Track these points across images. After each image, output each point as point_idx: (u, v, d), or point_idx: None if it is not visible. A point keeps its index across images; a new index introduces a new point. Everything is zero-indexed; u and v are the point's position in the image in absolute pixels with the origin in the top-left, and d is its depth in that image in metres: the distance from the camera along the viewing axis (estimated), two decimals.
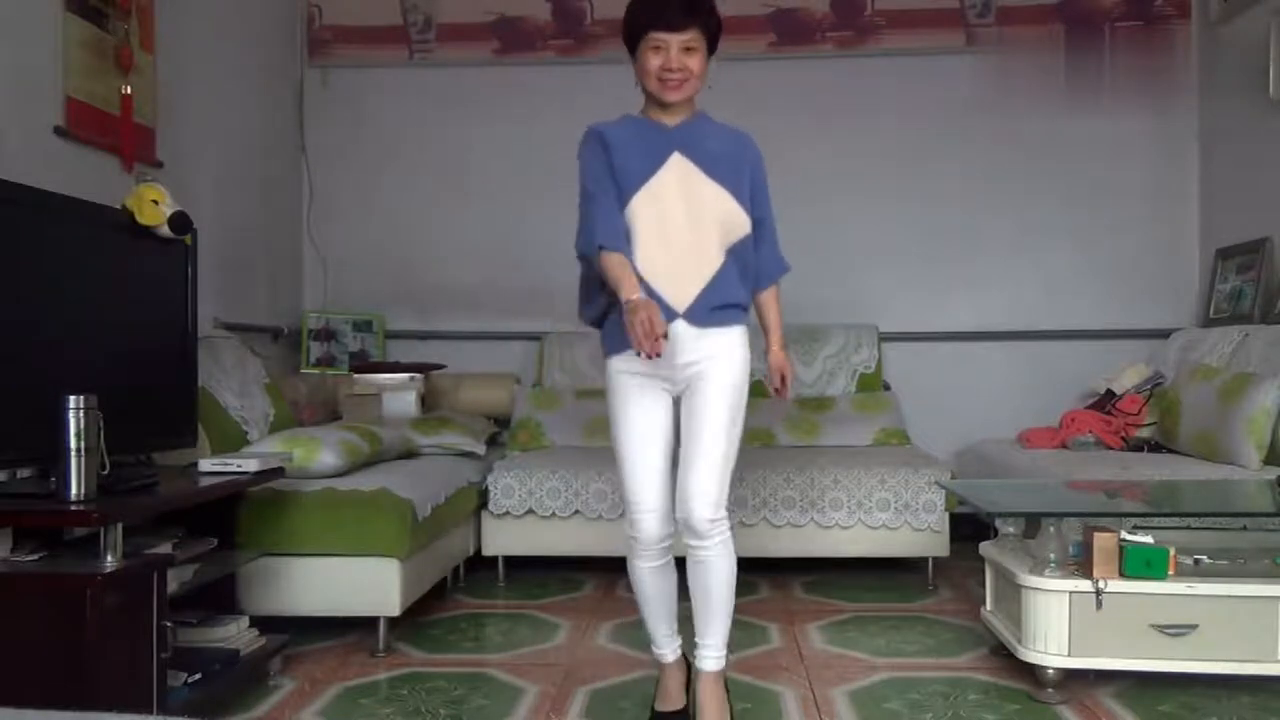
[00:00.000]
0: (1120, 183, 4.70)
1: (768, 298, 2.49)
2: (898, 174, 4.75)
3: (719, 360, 2.32)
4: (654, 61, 2.27)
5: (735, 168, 2.35)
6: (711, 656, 2.36)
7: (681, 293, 2.29)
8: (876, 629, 3.27)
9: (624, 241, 2.27)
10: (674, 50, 2.25)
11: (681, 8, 2.25)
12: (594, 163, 2.34)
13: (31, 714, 1.30)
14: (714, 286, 2.31)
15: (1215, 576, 2.56)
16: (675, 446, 2.38)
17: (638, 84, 2.34)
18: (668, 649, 2.46)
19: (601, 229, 2.27)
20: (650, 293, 2.26)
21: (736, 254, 2.35)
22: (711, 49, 2.32)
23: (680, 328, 2.29)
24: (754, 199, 2.38)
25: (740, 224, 2.34)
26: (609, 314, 2.36)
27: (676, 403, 2.37)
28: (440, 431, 3.99)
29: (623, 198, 2.29)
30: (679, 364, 2.31)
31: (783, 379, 2.46)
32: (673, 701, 2.45)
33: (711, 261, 2.31)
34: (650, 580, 2.40)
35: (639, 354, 2.15)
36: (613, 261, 2.25)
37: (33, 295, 2.33)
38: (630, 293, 2.19)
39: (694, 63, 2.27)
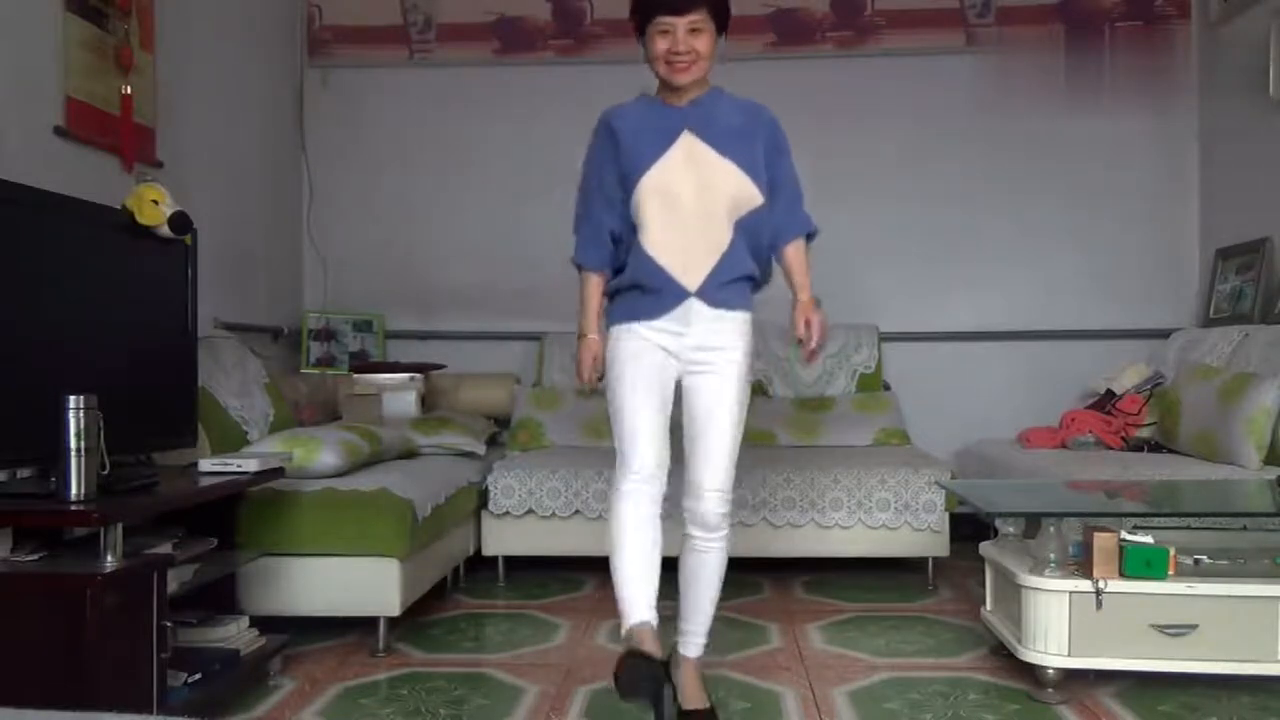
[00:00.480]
0: (1120, 183, 4.70)
1: (792, 253, 2.43)
2: (898, 174, 4.75)
3: (726, 353, 2.37)
4: (661, 45, 2.29)
5: (747, 141, 2.36)
6: (695, 643, 2.42)
7: (693, 273, 2.32)
8: (876, 629, 3.27)
9: (606, 263, 2.40)
10: (680, 32, 2.27)
11: None
12: (598, 155, 2.41)
13: (31, 714, 1.30)
14: (724, 263, 2.34)
15: (1215, 576, 2.56)
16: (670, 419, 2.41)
17: (649, 65, 2.36)
18: (649, 617, 2.24)
19: (582, 247, 2.42)
20: (660, 274, 2.31)
21: (746, 227, 2.36)
22: (721, 28, 2.33)
23: (694, 304, 2.33)
24: (769, 161, 2.39)
25: (750, 197, 2.35)
26: (622, 291, 2.40)
27: (675, 381, 2.40)
28: (440, 431, 3.99)
29: (631, 180, 2.33)
30: (688, 344, 2.35)
31: (807, 325, 2.36)
32: (653, 647, 2.21)
33: (721, 239, 2.34)
34: (637, 525, 2.27)
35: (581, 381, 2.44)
36: (587, 285, 2.42)
37: (33, 295, 2.32)
38: (586, 330, 2.40)
39: (701, 44, 2.29)
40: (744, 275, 2.38)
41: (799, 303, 2.42)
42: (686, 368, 2.37)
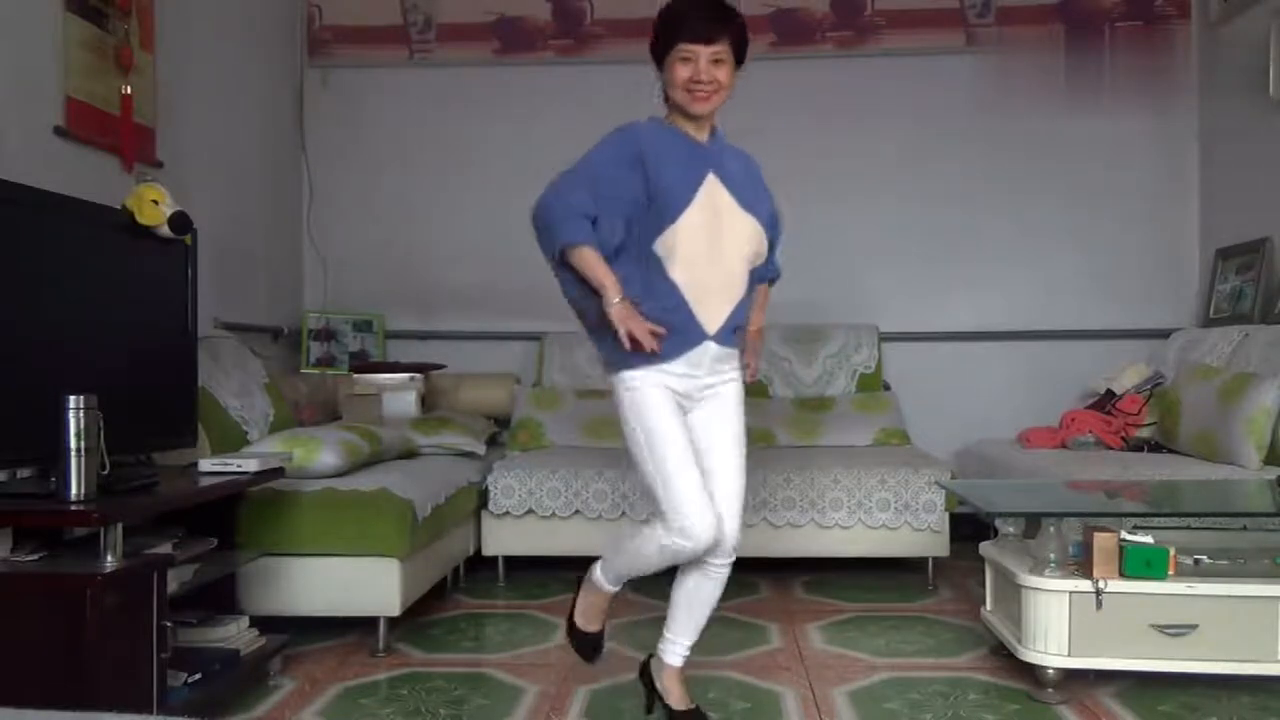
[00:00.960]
0: (1120, 183, 4.70)
1: (761, 291, 2.54)
2: (898, 174, 4.75)
3: (731, 385, 2.39)
4: (683, 72, 2.27)
5: (757, 194, 2.38)
6: (681, 654, 2.43)
7: (714, 316, 2.31)
8: (876, 629, 3.27)
9: (594, 237, 2.26)
10: (703, 62, 2.26)
11: (712, 19, 2.27)
12: (614, 168, 2.28)
13: (31, 714, 1.30)
14: (738, 309, 2.36)
15: (1215, 576, 2.56)
16: None
17: (659, 96, 2.35)
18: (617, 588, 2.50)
19: (570, 228, 2.24)
20: (687, 313, 2.28)
21: (752, 276, 2.40)
22: (739, 61, 2.33)
23: (709, 347, 2.31)
24: (770, 221, 2.42)
25: (763, 251, 2.39)
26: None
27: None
28: (440, 431, 3.99)
29: (665, 219, 2.26)
30: (702, 384, 2.34)
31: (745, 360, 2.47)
32: (599, 624, 2.53)
33: (740, 286, 2.35)
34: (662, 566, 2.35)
35: (650, 353, 2.21)
36: (589, 257, 2.24)
37: (33, 295, 2.33)
38: (617, 294, 2.23)
39: (722, 75, 2.29)
40: (744, 322, 2.42)
41: (747, 332, 2.47)
42: (694, 404, 2.36)
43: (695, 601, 2.40)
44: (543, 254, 2.35)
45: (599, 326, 2.31)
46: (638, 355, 2.25)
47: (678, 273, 2.27)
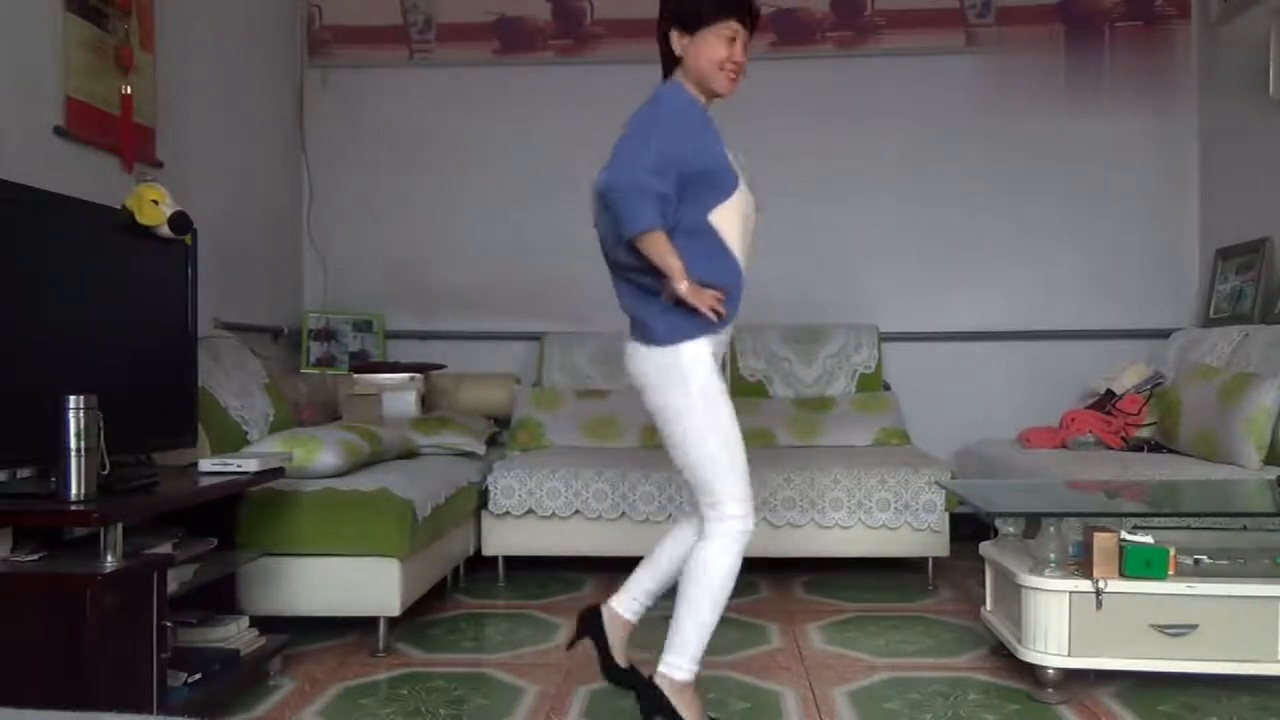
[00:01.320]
0: (1120, 183, 4.70)
1: None
2: (898, 174, 4.75)
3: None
4: (723, 51, 2.27)
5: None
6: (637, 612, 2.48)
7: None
8: (876, 629, 3.27)
9: (660, 219, 2.21)
10: (740, 45, 2.28)
11: (754, 5, 2.29)
12: (683, 147, 2.22)
13: (31, 714, 1.30)
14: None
15: (1215, 576, 2.56)
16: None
17: (677, 64, 2.30)
18: None
19: (653, 213, 2.18)
20: (739, 283, 2.29)
21: None
22: None
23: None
24: None
25: None
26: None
27: None
28: (440, 431, 3.99)
29: (723, 188, 2.25)
30: (721, 354, 2.38)
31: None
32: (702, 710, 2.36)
33: (750, 263, 2.37)
34: None
35: (715, 320, 2.21)
36: (660, 241, 2.19)
37: (33, 295, 2.33)
38: (684, 277, 2.19)
39: (745, 62, 2.31)
40: None
41: None
42: None
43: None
44: (603, 229, 2.32)
45: (654, 297, 2.27)
46: (697, 320, 2.22)
47: (734, 245, 2.28)
